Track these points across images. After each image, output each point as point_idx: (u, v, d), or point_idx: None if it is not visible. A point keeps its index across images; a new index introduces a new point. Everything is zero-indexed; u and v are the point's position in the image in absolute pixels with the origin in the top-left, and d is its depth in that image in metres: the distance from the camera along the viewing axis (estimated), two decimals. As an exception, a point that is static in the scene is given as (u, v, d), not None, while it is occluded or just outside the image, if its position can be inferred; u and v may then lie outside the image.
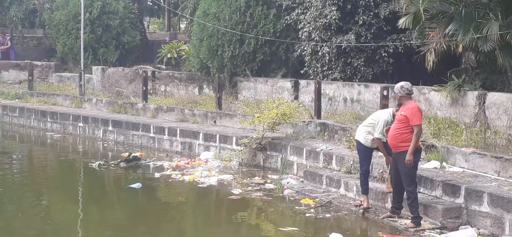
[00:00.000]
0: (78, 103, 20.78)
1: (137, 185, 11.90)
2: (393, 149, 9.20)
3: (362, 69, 16.49)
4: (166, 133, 16.22)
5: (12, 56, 28.87)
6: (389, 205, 9.72)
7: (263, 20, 18.65)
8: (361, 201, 10.05)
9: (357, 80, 16.44)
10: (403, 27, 14.18)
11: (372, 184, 10.21)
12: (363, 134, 9.84)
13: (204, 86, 20.90)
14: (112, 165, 13.74)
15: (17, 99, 22.67)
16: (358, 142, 9.94)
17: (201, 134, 15.28)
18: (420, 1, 12.92)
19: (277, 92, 17.40)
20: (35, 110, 20.68)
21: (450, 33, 12.84)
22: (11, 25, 30.20)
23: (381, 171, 10.37)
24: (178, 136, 15.91)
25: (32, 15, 30.88)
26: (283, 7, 18.56)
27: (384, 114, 9.68)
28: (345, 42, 16.20)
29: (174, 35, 31.84)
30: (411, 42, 15.24)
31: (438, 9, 13.30)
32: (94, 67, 24.39)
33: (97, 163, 13.76)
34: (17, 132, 20.25)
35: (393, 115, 9.44)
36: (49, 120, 19.98)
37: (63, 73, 26.50)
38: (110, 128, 17.84)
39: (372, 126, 9.73)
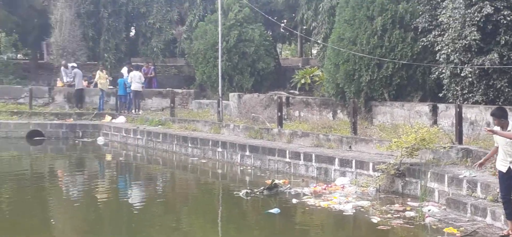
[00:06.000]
0: (216, 129, 21.50)
1: (275, 210, 12.07)
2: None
3: (505, 91, 15.70)
4: (302, 158, 16.35)
5: (155, 85, 30.70)
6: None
7: (401, 43, 18.39)
8: (508, 231, 9.54)
9: (500, 103, 15.66)
10: None
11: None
12: (500, 159, 9.51)
13: (338, 111, 20.85)
14: (257, 193, 13.88)
15: (160, 126, 23.85)
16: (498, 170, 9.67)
17: (336, 159, 15.24)
18: None
19: (414, 116, 17.00)
20: (177, 136, 21.64)
21: None
22: (152, 55, 32.14)
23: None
24: (313, 161, 15.97)
25: (172, 45, 32.62)
26: (419, 30, 18.17)
27: None
28: (488, 62, 15.50)
29: (307, 61, 32.18)
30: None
31: None
32: (230, 94, 25.17)
33: (244, 191, 13.95)
34: (161, 157, 21.29)
35: None
36: (190, 145, 20.85)
37: (201, 100, 27.65)
38: (247, 153, 18.29)
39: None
